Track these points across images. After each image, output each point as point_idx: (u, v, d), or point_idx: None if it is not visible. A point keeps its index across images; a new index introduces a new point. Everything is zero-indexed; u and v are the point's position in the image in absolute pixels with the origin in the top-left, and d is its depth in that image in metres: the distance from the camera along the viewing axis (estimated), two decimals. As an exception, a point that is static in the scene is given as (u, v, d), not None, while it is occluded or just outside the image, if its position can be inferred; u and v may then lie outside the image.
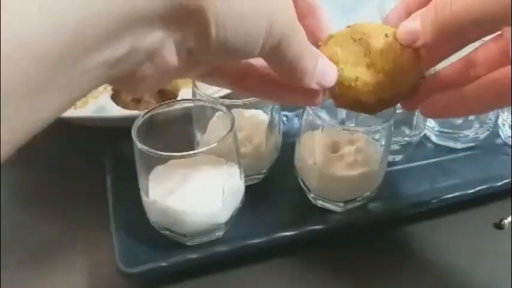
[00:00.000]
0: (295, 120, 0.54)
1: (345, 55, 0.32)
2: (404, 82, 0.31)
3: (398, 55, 0.30)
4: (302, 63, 0.28)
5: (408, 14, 0.31)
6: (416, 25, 0.30)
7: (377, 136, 0.42)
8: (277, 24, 0.25)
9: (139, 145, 0.36)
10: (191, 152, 0.36)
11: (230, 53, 0.24)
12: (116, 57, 0.21)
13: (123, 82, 0.24)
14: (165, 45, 0.23)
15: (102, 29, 0.19)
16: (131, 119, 0.38)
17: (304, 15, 0.31)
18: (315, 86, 0.31)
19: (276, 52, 0.26)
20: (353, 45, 0.31)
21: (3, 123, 0.17)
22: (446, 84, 0.33)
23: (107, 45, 0.20)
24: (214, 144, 0.36)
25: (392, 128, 0.40)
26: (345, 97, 0.32)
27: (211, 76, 0.30)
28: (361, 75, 0.31)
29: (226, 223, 0.40)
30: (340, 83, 0.31)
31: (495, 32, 0.32)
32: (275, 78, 0.31)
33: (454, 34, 0.30)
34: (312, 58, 0.29)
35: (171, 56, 0.23)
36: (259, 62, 0.30)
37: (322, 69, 0.31)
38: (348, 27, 0.32)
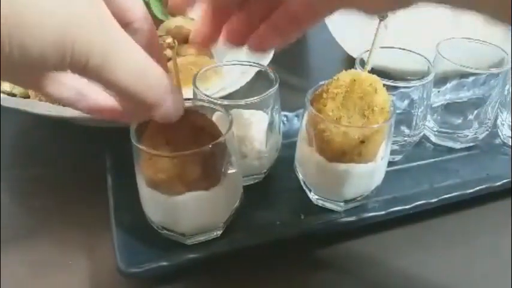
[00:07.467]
0: (295, 120, 0.54)
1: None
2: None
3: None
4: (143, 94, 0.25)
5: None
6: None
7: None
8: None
9: (139, 145, 0.36)
10: (191, 152, 0.36)
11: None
12: None
13: None
14: None
15: None
16: (131, 119, 0.38)
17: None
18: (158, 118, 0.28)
19: (93, 76, 0.22)
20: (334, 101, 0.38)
21: None
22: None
23: None
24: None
25: (392, 128, 0.40)
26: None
27: None
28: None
29: (225, 222, 0.40)
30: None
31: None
32: None
33: None
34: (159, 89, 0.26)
35: None
36: None
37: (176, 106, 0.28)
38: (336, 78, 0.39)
